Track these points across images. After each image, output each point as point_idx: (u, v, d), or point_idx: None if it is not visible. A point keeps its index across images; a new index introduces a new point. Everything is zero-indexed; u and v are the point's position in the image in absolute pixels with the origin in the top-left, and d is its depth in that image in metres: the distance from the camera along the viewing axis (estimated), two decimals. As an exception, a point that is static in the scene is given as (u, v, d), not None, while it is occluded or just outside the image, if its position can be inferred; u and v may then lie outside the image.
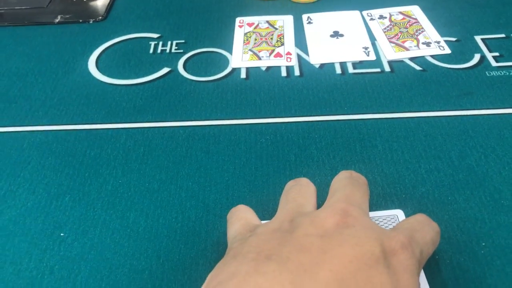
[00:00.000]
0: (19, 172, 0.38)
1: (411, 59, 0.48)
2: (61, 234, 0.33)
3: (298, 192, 0.30)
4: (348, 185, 0.29)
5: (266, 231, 0.26)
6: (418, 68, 0.47)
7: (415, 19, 0.53)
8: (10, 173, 0.38)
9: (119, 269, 0.31)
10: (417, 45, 0.49)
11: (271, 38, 0.52)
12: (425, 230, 0.27)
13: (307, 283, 0.22)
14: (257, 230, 0.27)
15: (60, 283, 0.30)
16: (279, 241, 0.25)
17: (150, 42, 0.52)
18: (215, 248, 0.32)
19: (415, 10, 0.55)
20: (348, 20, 0.54)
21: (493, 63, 0.47)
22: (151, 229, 0.33)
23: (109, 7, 0.58)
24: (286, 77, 0.47)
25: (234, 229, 0.29)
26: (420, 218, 0.28)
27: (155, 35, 0.53)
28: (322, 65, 0.48)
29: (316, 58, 0.49)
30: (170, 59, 0.50)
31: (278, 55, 0.49)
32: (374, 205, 0.34)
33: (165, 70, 0.48)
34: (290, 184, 0.32)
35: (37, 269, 0.31)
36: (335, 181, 0.31)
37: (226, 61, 0.49)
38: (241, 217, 0.30)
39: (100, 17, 0.56)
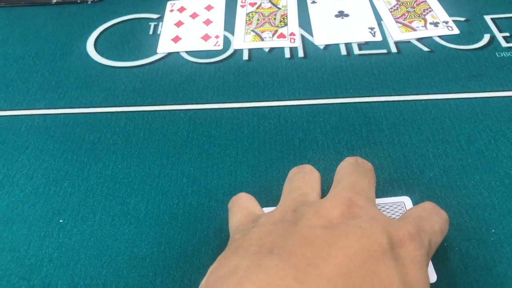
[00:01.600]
0: (16, 157, 0.37)
1: (419, 39, 0.47)
2: (60, 221, 0.33)
3: (302, 180, 0.29)
4: (353, 172, 0.29)
5: (268, 222, 0.25)
6: (425, 49, 0.45)
7: (423, -2, 0.52)
8: (8, 158, 0.37)
9: (119, 256, 0.31)
10: (425, 25, 0.48)
11: (274, 18, 0.51)
12: (433, 218, 0.27)
13: (311, 278, 0.21)
14: (259, 221, 0.26)
15: (59, 270, 0.30)
16: (282, 233, 0.24)
17: (149, 23, 0.51)
18: (217, 235, 0.31)
19: (423, -11, 0.53)
20: (353, -1, 0.53)
21: (504, 44, 0.45)
22: (152, 215, 0.33)
23: (108, -13, 0.57)
24: (289, 58, 0.46)
25: (236, 219, 0.28)
26: (428, 206, 0.28)
27: (154, 16, 0.52)
28: (326, 46, 0.47)
29: (320, 38, 0.48)
30: (171, 40, 0.48)
31: (282, 35, 0.48)
32: (381, 191, 0.33)
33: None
34: (293, 171, 0.31)
35: (35, 257, 0.31)
36: (340, 168, 0.30)
37: (228, 42, 0.48)
38: (242, 207, 0.29)
39: (99, -3, 0.55)
